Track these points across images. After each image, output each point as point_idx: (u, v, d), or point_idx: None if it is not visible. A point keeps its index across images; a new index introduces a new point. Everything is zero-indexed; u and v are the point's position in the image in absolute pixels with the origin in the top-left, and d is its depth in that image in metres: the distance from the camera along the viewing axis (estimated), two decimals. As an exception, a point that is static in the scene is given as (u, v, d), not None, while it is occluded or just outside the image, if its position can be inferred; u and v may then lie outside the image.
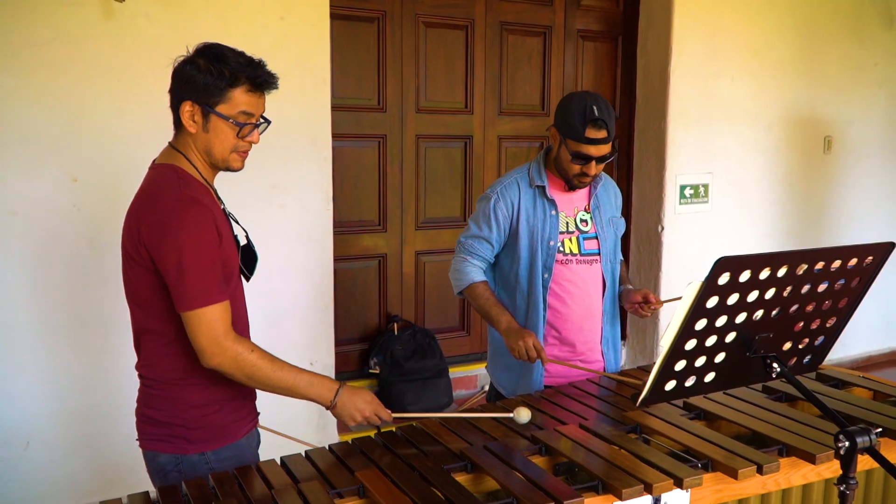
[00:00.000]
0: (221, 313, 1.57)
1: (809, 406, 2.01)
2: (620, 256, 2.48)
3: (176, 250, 1.53)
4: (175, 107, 1.64)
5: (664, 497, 1.52)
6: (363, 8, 3.75)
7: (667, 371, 1.48)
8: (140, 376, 1.72)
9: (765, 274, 1.42)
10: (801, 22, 4.55)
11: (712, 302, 1.40)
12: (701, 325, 1.43)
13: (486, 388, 4.25)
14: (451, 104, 4.07)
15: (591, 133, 2.15)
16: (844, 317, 1.65)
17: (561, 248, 2.31)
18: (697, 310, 1.39)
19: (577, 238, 2.33)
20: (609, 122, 2.16)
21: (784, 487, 1.67)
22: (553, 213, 2.31)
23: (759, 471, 1.58)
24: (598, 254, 2.35)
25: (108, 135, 2.98)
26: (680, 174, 4.31)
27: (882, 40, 4.89)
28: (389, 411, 1.74)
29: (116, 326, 3.08)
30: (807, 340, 1.63)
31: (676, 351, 1.45)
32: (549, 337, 2.36)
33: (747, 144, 4.51)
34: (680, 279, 4.46)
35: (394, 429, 1.84)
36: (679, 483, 1.51)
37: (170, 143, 1.70)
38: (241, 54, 1.63)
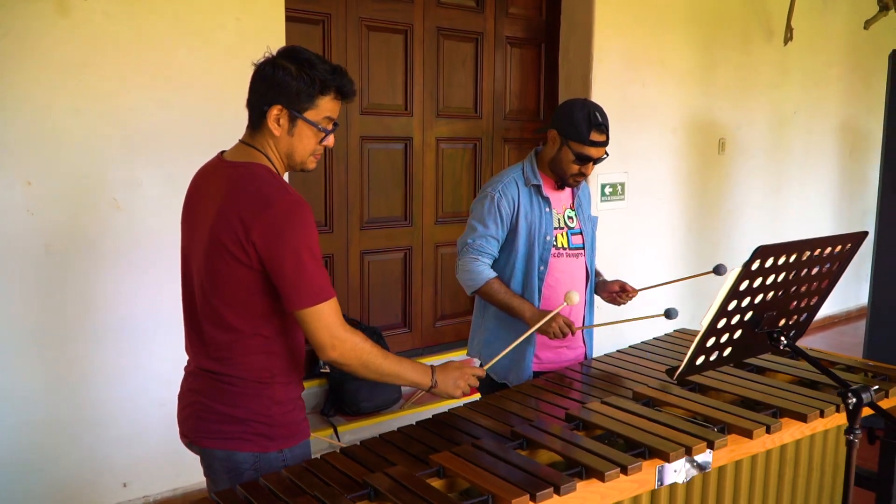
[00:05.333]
0: (336, 307, 1.65)
1: (779, 376, 2.31)
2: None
3: (294, 252, 1.58)
4: (257, 107, 1.66)
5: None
6: (310, 11, 3.77)
7: (701, 347, 1.69)
8: (215, 374, 1.69)
9: (782, 259, 1.67)
10: (699, 35, 5.02)
11: (744, 285, 1.62)
12: (732, 305, 1.65)
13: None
14: (392, 106, 4.16)
15: (596, 136, 2.37)
16: (824, 296, 1.94)
17: (554, 243, 2.50)
18: (733, 292, 1.62)
19: (566, 233, 2.53)
20: (608, 128, 2.41)
21: (779, 445, 1.93)
22: (548, 210, 2.49)
23: (768, 430, 1.83)
24: (583, 248, 2.56)
25: (64, 135, 2.86)
26: (601, 174, 4.63)
27: (764, 53, 5.48)
28: (476, 366, 1.93)
29: (76, 334, 2.96)
30: (795, 317, 1.91)
31: (711, 329, 1.67)
32: None
33: (656, 146, 4.92)
34: (603, 268, 4.78)
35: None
36: (711, 445, 1.73)
37: (243, 141, 1.72)
38: (326, 61, 1.68)
